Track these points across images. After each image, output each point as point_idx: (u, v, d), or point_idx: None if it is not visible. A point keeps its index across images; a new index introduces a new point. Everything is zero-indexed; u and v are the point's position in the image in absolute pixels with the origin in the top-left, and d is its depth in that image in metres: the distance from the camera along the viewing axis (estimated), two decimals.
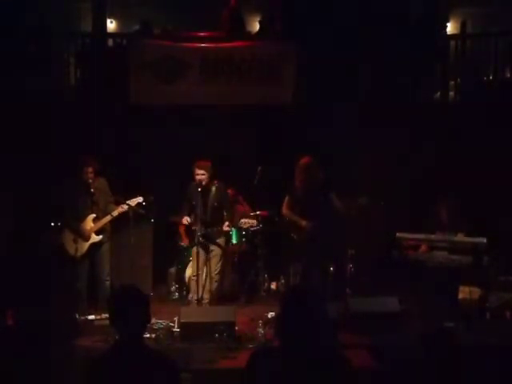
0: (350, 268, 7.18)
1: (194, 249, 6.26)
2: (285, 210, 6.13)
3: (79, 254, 6.09)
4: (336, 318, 5.56)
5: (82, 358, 4.79)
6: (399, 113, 7.64)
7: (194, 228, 6.31)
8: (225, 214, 6.40)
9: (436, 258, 6.02)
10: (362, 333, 5.33)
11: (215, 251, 6.36)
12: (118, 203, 6.15)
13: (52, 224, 6.71)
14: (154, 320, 5.38)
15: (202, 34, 8.15)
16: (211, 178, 6.28)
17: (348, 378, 2.45)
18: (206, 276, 6.36)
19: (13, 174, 7.09)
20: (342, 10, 7.75)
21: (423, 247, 6.24)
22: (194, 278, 6.27)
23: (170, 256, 7.31)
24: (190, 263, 6.71)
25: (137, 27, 8.78)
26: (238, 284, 7.17)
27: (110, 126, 7.72)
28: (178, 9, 10.07)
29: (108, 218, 6.15)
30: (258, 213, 7.18)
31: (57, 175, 6.74)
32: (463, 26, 8.72)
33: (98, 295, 6.24)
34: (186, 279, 6.86)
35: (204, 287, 6.32)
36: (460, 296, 6.18)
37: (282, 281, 7.28)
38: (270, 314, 5.82)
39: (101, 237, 6.18)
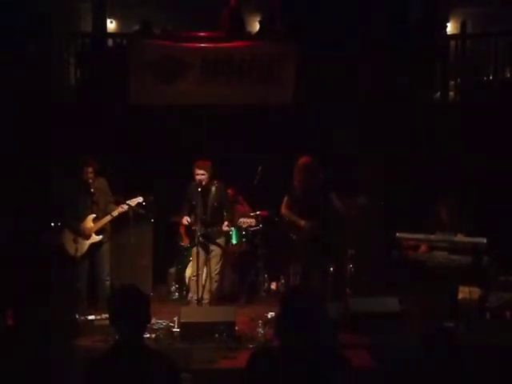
0: (350, 268, 7.18)
1: (194, 249, 6.26)
2: (284, 210, 6.13)
3: (79, 254, 6.09)
4: (336, 317, 5.57)
5: (82, 357, 4.79)
6: (399, 113, 7.64)
7: (194, 228, 6.31)
8: (225, 214, 6.40)
9: (436, 258, 6.01)
10: (362, 333, 5.34)
11: (215, 251, 6.36)
12: (117, 203, 6.15)
13: (52, 224, 6.72)
14: (154, 320, 5.38)
15: (202, 34, 8.15)
16: (211, 178, 6.28)
17: (348, 378, 2.46)
18: (206, 276, 6.36)
19: (13, 173, 7.09)
20: (342, 10, 7.74)
21: (423, 247, 6.24)
22: (194, 278, 6.27)
23: (170, 256, 7.31)
24: (190, 263, 6.71)
25: (137, 27, 8.78)
26: (238, 284, 7.17)
27: (109, 125, 7.72)
28: (177, 9, 10.07)
29: (108, 217, 6.15)
30: (258, 213, 7.18)
31: (57, 175, 6.74)
32: (463, 26, 8.72)
33: (97, 295, 6.24)
34: (186, 279, 6.86)
35: (204, 287, 6.33)
36: (460, 296, 6.18)
37: (282, 281, 7.28)
38: (270, 314, 5.81)
39: (101, 237, 6.18)
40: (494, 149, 7.45)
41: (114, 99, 7.90)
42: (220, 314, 5.56)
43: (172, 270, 7.24)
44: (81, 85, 8.44)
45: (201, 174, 6.19)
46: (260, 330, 5.29)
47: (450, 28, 10.05)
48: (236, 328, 5.34)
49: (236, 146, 7.73)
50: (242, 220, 6.92)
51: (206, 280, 6.35)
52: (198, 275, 6.23)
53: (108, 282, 6.26)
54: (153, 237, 7.36)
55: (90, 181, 6.06)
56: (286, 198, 6.10)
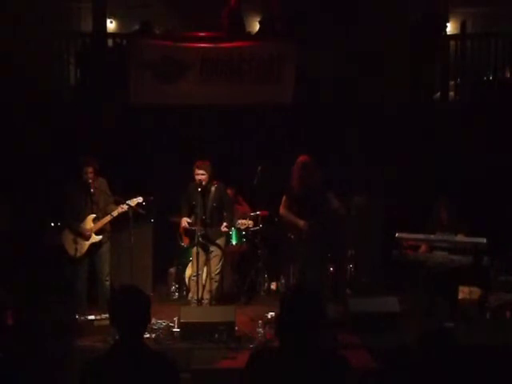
0: (350, 268, 7.19)
1: (194, 249, 6.25)
2: (282, 210, 6.11)
3: (79, 254, 6.08)
4: (336, 318, 5.57)
5: (81, 358, 4.79)
6: (399, 113, 7.65)
7: (194, 228, 6.31)
8: (224, 214, 6.40)
9: (436, 258, 6.02)
10: (362, 333, 5.34)
11: (215, 251, 6.36)
12: (117, 203, 6.14)
13: (52, 224, 6.72)
14: (153, 320, 5.38)
15: (202, 34, 8.14)
16: (211, 178, 6.27)
17: (347, 378, 2.46)
18: (206, 276, 6.36)
19: (13, 173, 7.09)
20: (341, 10, 7.74)
21: (423, 247, 6.25)
22: (194, 278, 6.27)
23: (170, 256, 7.32)
24: (190, 263, 6.71)
25: (137, 27, 8.78)
26: (237, 284, 7.18)
27: (110, 126, 7.72)
28: (177, 9, 10.07)
29: (108, 218, 6.14)
30: (258, 213, 7.18)
31: (57, 175, 6.74)
32: (463, 26, 8.72)
33: (97, 295, 6.24)
34: (186, 279, 6.86)
35: (204, 287, 6.32)
36: (460, 296, 6.19)
37: (282, 281, 7.28)
38: (270, 314, 5.81)
39: (101, 237, 6.17)
40: (493, 149, 7.45)
41: (114, 99, 7.90)
42: (220, 313, 5.55)
43: (172, 270, 7.25)
44: (81, 85, 8.45)
45: (201, 174, 6.19)
46: (260, 329, 5.29)
47: (450, 28, 10.04)
48: (236, 328, 5.34)
49: (236, 146, 7.73)
50: (240, 221, 6.93)
51: (205, 280, 6.35)
52: (197, 275, 6.23)
53: (108, 282, 6.25)
54: (153, 237, 7.36)
55: (90, 181, 6.05)
56: (284, 198, 6.09)
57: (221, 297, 6.60)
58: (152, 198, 6.20)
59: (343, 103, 7.65)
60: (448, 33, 9.10)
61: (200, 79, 7.88)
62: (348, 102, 7.63)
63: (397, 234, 6.07)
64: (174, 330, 5.48)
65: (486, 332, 5.62)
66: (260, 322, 5.43)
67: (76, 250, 6.04)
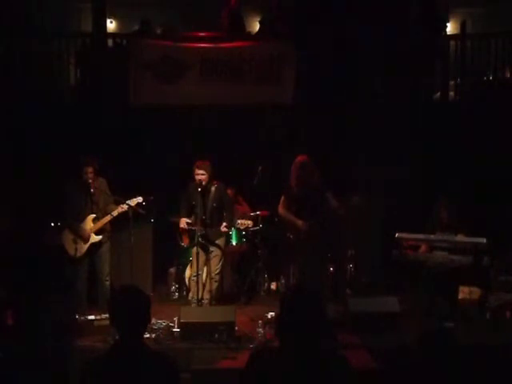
0: (350, 268, 7.19)
1: (194, 249, 6.25)
2: (281, 210, 6.10)
3: (79, 254, 6.08)
4: (336, 317, 5.57)
5: (82, 358, 4.79)
6: (399, 113, 7.65)
7: (193, 228, 6.31)
8: (224, 214, 6.39)
9: (436, 258, 6.02)
10: (362, 333, 5.34)
11: (215, 251, 6.35)
12: (117, 203, 6.14)
13: (52, 224, 6.71)
14: (154, 320, 5.38)
15: (201, 34, 8.14)
16: (211, 178, 6.27)
17: (347, 378, 2.46)
18: (206, 276, 6.36)
19: (12, 173, 7.09)
20: (341, 10, 7.74)
21: (423, 247, 6.24)
22: (194, 278, 6.26)
23: (170, 256, 7.31)
24: (190, 263, 6.71)
25: (137, 27, 8.78)
26: (237, 284, 7.18)
27: (109, 126, 7.72)
28: (177, 9, 10.07)
29: (108, 218, 6.14)
30: (258, 213, 7.18)
31: (57, 175, 6.74)
32: (463, 26, 8.72)
33: (97, 295, 6.24)
34: (186, 279, 6.86)
35: (204, 287, 6.32)
36: (460, 296, 6.19)
37: (282, 281, 7.28)
38: (270, 314, 5.81)
39: (101, 237, 6.17)
40: (493, 149, 7.45)
41: (114, 99, 7.90)
42: (220, 313, 5.55)
43: (172, 270, 7.24)
44: (81, 85, 8.45)
45: (201, 174, 6.19)
46: (260, 329, 5.29)
47: (450, 28, 10.05)
48: (236, 328, 5.34)
49: (236, 146, 7.73)
50: (239, 221, 6.92)
51: (205, 280, 6.35)
52: (198, 275, 6.23)
53: (108, 282, 6.25)
54: (153, 237, 7.36)
55: (90, 181, 6.05)
56: (282, 198, 6.08)
57: (221, 297, 6.59)
58: (152, 197, 6.20)
59: (343, 103, 7.65)
60: (448, 33, 9.10)
61: (200, 79, 7.87)
62: (348, 102, 7.63)
63: (397, 234, 6.06)
64: (174, 330, 5.48)
65: (486, 332, 5.62)
66: (260, 321, 5.43)
67: (76, 249, 6.04)
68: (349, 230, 6.84)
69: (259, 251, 7.28)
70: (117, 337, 2.67)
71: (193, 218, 6.36)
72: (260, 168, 7.04)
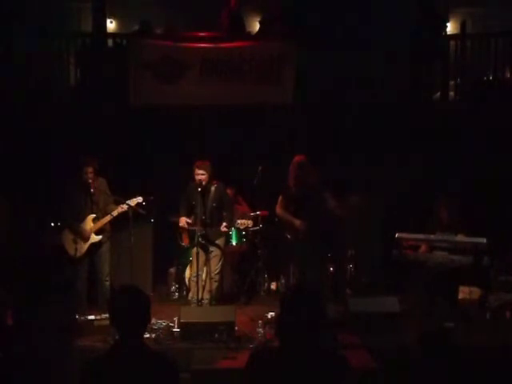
0: (350, 268, 7.19)
1: (194, 249, 6.25)
2: (279, 210, 6.10)
3: (79, 254, 6.08)
4: (336, 317, 5.57)
5: (82, 357, 4.79)
6: (399, 113, 7.64)
7: (193, 228, 6.31)
8: (224, 214, 6.39)
9: (436, 258, 6.02)
10: (362, 333, 5.34)
11: (215, 251, 6.36)
12: (117, 203, 6.14)
13: (52, 224, 6.71)
14: (154, 320, 5.39)
15: (202, 34, 8.14)
16: (211, 178, 6.28)
17: (347, 378, 2.46)
18: (206, 276, 6.36)
19: (13, 173, 7.09)
20: (341, 10, 7.74)
21: (423, 247, 6.25)
22: (194, 278, 6.27)
23: (170, 256, 7.32)
24: (190, 263, 6.71)
25: (137, 27, 8.78)
26: (237, 284, 7.18)
27: (109, 126, 7.72)
28: (177, 9, 10.06)
29: (108, 218, 6.14)
30: (257, 213, 7.18)
31: (57, 175, 6.74)
32: (463, 26, 8.71)
33: (97, 295, 6.24)
34: (186, 279, 6.86)
35: (204, 287, 6.32)
36: (460, 296, 6.19)
37: (282, 281, 7.28)
38: (270, 314, 5.82)
39: (100, 237, 6.18)
40: (493, 149, 7.45)
41: (114, 99, 7.90)
42: (220, 313, 5.55)
43: (172, 270, 7.25)
44: (81, 85, 8.44)
45: (200, 174, 6.19)
46: (260, 329, 5.29)
47: (450, 28, 10.04)
48: (236, 328, 5.35)
49: (236, 146, 7.73)
50: (239, 221, 6.92)
51: (205, 280, 6.35)
52: (198, 275, 6.23)
53: (108, 282, 6.26)
54: (153, 237, 7.36)
55: (90, 181, 6.05)
56: (280, 198, 6.08)
57: (221, 297, 6.60)
58: (152, 197, 6.21)
59: (343, 103, 7.65)
60: (448, 33, 9.09)
61: (200, 79, 7.87)
62: (348, 102, 7.62)
63: (397, 234, 6.06)
64: (174, 330, 5.48)
65: (486, 332, 5.62)
66: (260, 322, 5.43)
67: (76, 249, 6.05)
68: (349, 230, 6.84)
69: (259, 251, 7.28)
70: (117, 337, 2.67)
71: (193, 217, 6.36)
72: (260, 168, 7.04)
